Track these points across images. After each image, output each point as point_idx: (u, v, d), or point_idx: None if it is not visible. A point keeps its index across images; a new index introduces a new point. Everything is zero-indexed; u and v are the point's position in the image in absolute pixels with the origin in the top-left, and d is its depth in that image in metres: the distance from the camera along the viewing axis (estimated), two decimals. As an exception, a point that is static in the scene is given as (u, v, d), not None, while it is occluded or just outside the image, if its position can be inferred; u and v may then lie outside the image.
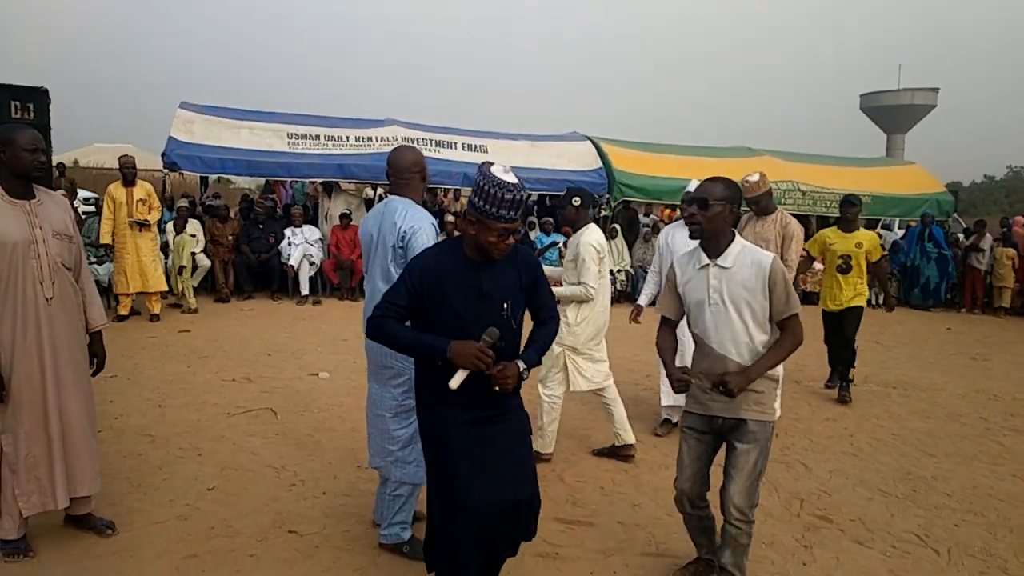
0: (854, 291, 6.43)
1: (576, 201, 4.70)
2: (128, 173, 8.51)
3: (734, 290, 2.92)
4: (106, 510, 3.71)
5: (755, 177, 5.67)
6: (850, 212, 6.46)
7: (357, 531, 3.72)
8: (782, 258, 5.35)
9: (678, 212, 16.27)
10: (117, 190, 8.52)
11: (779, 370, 3.04)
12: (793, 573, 3.48)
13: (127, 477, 4.23)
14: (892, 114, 58.98)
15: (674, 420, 5.37)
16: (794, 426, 5.77)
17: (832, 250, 6.49)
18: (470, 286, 2.58)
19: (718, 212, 2.92)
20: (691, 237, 3.18)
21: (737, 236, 3.02)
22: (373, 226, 3.43)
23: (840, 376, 6.64)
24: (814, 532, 3.92)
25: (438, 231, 3.43)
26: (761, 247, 3.38)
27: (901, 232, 14.68)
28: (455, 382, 2.52)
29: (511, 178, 2.52)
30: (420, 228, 3.24)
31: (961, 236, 13.41)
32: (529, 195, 14.79)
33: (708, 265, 2.98)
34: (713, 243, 2.98)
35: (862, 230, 6.51)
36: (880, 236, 13.69)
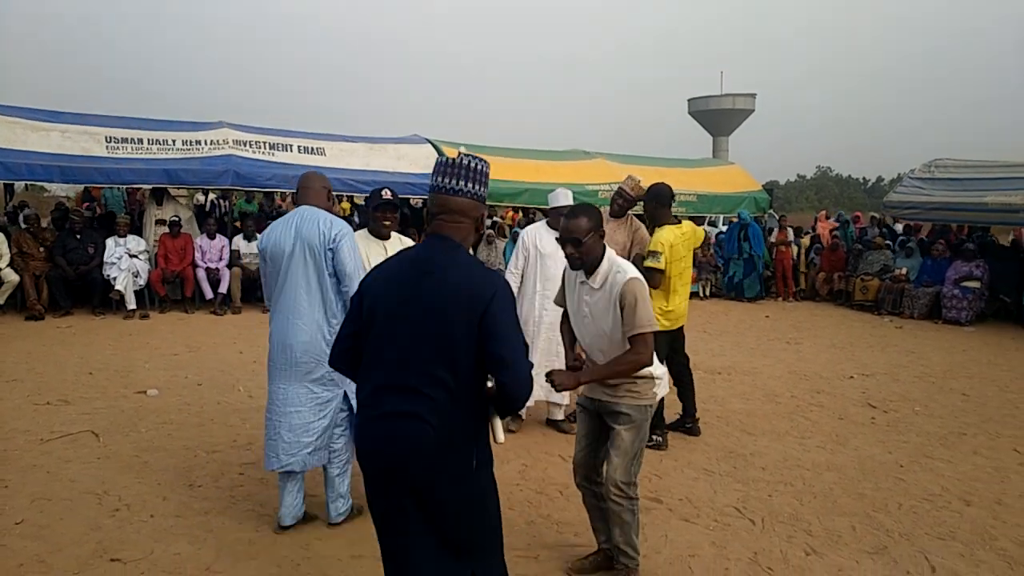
0: None
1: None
2: None
3: (600, 307, 3.20)
4: None
5: (637, 178, 5.57)
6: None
7: (188, 552, 3.55)
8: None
9: (520, 214, 16.68)
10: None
11: (657, 369, 3.28)
12: (626, 553, 3.67)
13: (-83, 518, 3.80)
14: (716, 118, 63.20)
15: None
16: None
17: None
18: None
19: (591, 244, 3.16)
20: (573, 269, 3.31)
21: (607, 253, 3.22)
22: (285, 235, 3.62)
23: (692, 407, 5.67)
24: (646, 513, 4.13)
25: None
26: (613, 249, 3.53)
27: (724, 227, 15.73)
28: (502, 436, 2.43)
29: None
30: (347, 232, 3.63)
31: (775, 230, 14.64)
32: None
33: (584, 283, 3.26)
34: (589, 267, 3.23)
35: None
36: (706, 232, 14.72)
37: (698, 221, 15.03)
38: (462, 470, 2.22)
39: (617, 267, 3.17)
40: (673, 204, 5.36)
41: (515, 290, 5.47)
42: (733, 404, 6.52)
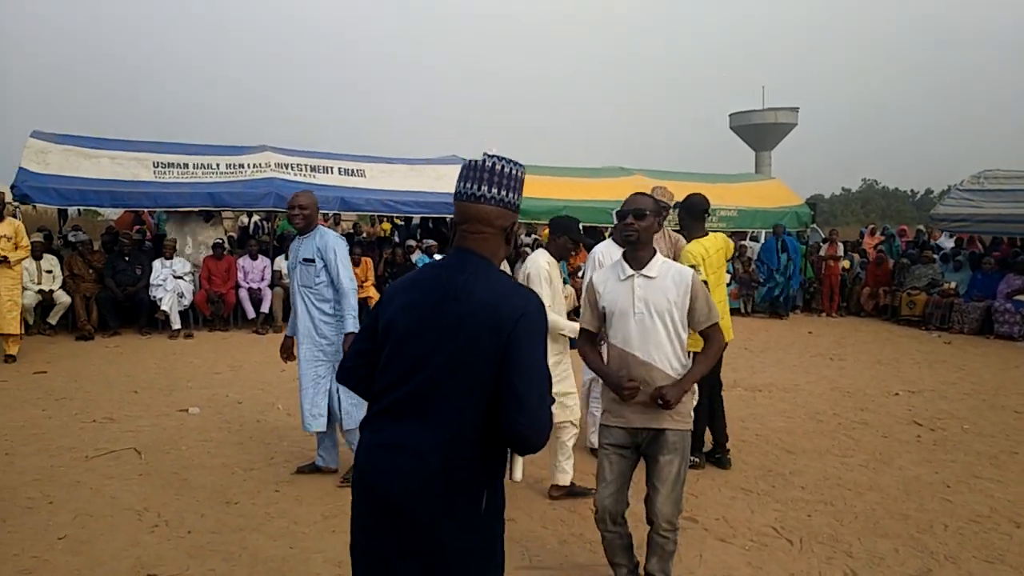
0: None
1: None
2: None
3: (658, 300, 3.09)
4: (-61, 570, 3.43)
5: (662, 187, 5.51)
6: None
7: (222, 569, 3.59)
8: None
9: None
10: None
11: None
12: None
13: (-34, 533, 3.92)
14: (758, 132, 62.50)
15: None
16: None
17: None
18: None
19: (651, 223, 3.16)
20: (626, 243, 3.22)
21: (657, 250, 3.22)
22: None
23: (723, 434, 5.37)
24: (681, 533, 4.00)
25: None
26: None
27: (764, 242, 15.52)
28: (519, 474, 2.28)
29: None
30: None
31: (823, 245, 14.40)
32: (411, 218, 14.86)
33: (633, 276, 3.14)
34: (639, 255, 3.16)
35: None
36: (747, 247, 14.54)
37: (739, 237, 14.88)
38: (469, 514, 1.94)
39: (672, 262, 3.22)
40: (707, 217, 5.20)
41: None
42: (774, 422, 6.39)
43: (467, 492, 1.94)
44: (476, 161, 2.05)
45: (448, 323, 1.93)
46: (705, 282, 4.87)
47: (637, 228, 3.11)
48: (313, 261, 4.62)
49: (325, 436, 4.90)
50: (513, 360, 1.88)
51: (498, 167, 2.03)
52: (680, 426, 3.11)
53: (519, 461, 2.25)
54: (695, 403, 3.32)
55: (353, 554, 2.07)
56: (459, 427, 1.91)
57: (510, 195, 2.04)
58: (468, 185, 2.03)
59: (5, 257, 8.04)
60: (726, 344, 3.20)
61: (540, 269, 4.42)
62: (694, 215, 5.12)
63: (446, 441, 1.91)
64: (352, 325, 4.58)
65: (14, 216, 10.81)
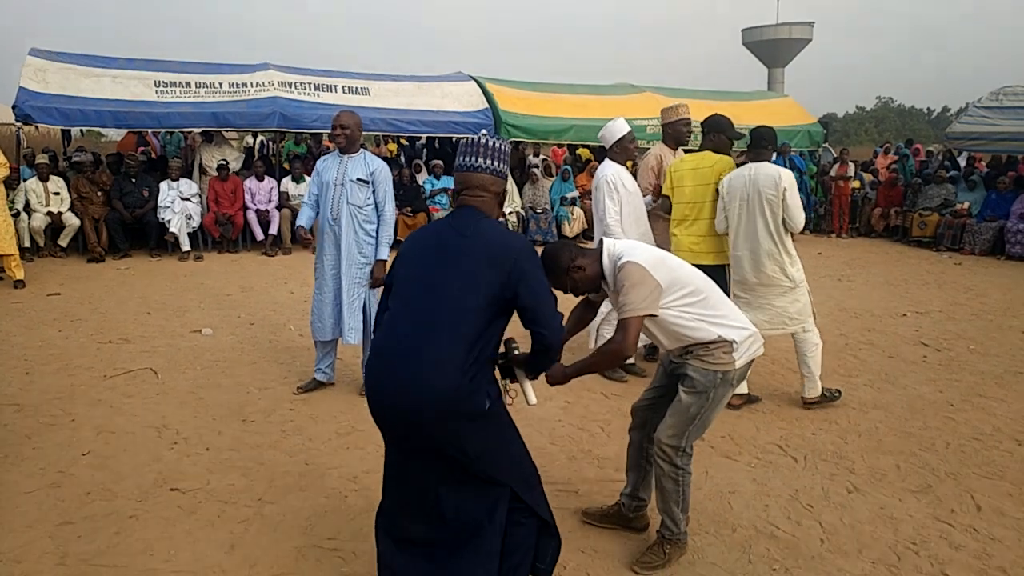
0: None
1: None
2: None
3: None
4: (-31, 484, 3.56)
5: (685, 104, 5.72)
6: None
7: (242, 484, 3.71)
8: None
9: (566, 151, 16.41)
10: (-45, 149, 7.83)
11: (732, 332, 2.99)
12: (665, 489, 3.71)
13: (-8, 449, 4.04)
14: (771, 48, 60.73)
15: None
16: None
17: None
18: None
19: (577, 278, 3.01)
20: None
21: (604, 247, 3.01)
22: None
23: None
24: (687, 450, 4.17)
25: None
26: None
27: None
28: (534, 398, 2.67)
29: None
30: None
31: (834, 165, 14.18)
32: (418, 138, 14.66)
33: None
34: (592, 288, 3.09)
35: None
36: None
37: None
38: (479, 411, 2.31)
39: (617, 256, 2.91)
40: (723, 135, 5.15)
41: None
42: (779, 342, 6.40)
43: (476, 393, 2.30)
44: (474, 139, 2.51)
45: (457, 252, 2.36)
46: (664, 197, 5.22)
47: (574, 289, 3.04)
48: (367, 182, 4.76)
49: (331, 351, 5.05)
50: (525, 283, 2.34)
51: (491, 143, 2.52)
52: (699, 364, 2.97)
53: (530, 386, 2.60)
54: (738, 350, 2.98)
55: (388, 474, 2.54)
56: (472, 331, 2.28)
57: (501, 165, 2.53)
58: (467, 158, 2.51)
59: None
60: (625, 355, 2.84)
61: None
62: (705, 131, 5.26)
63: (458, 347, 2.26)
64: (385, 253, 4.82)
65: (16, 136, 10.77)
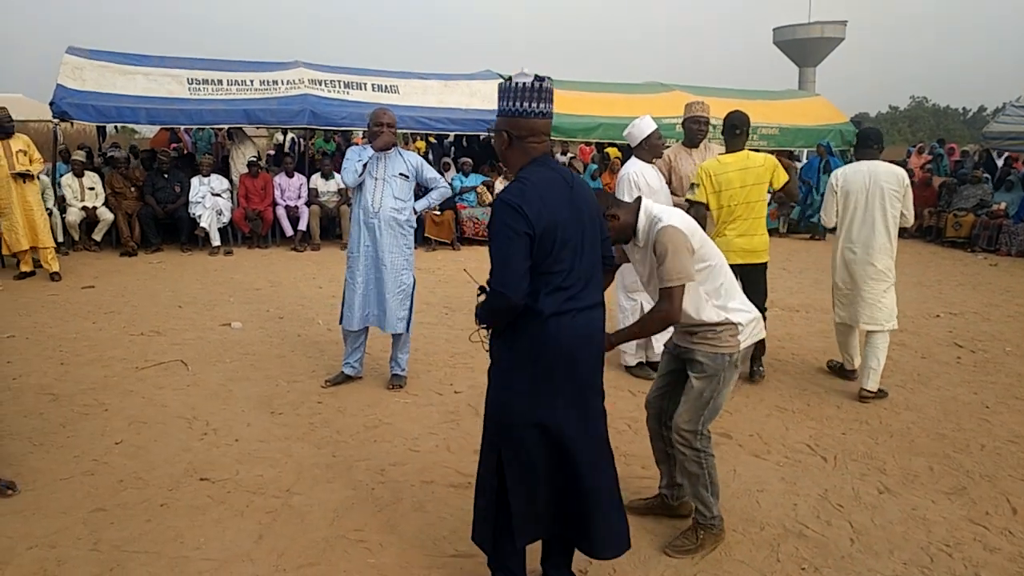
0: None
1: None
2: (5, 126, 8.01)
3: (646, 263, 3.10)
4: (6, 471, 3.63)
5: (701, 102, 5.71)
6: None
7: (270, 475, 3.74)
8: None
9: (594, 149, 16.37)
10: (-9, 145, 8.00)
11: (738, 314, 3.04)
12: (692, 486, 3.68)
13: (28, 437, 4.12)
14: (803, 47, 59.98)
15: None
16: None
17: None
18: None
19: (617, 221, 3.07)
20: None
21: (643, 207, 3.03)
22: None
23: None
24: (716, 448, 4.06)
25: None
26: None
27: (805, 162, 15.15)
28: None
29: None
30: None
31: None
32: (446, 135, 14.71)
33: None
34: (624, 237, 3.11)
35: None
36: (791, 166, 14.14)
37: (781, 155, 14.50)
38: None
39: (655, 217, 2.94)
40: (742, 132, 5.05)
41: None
42: (810, 342, 6.37)
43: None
44: (532, 83, 2.39)
45: (580, 210, 2.46)
46: (700, 203, 4.94)
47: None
48: (408, 177, 4.89)
49: (360, 346, 5.09)
50: (604, 219, 2.70)
51: (547, 85, 2.42)
52: (708, 348, 3.03)
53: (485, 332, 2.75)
54: (744, 332, 3.05)
55: (544, 398, 2.49)
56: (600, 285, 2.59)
57: (552, 108, 2.47)
58: (530, 104, 2.40)
59: (28, 172, 8.10)
60: (672, 319, 2.90)
61: None
62: (730, 131, 5.11)
63: (602, 299, 2.60)
64: (420, 205, 5.07)
65: (53, 132, 10.96)
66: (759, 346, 5.27)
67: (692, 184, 5.05)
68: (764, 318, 5.17)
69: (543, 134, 2.45)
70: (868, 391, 4.91)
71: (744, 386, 5.17)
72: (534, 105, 2.39)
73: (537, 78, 2.39)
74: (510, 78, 2.44)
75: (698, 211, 4.97)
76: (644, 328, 3.05)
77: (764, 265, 5.15)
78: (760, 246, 5.08)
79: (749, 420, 4.59)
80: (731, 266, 4.92)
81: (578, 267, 2.42)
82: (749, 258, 5.02)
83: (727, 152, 5.11)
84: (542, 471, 2.51)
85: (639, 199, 3.04)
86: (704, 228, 5.00)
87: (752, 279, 5.05)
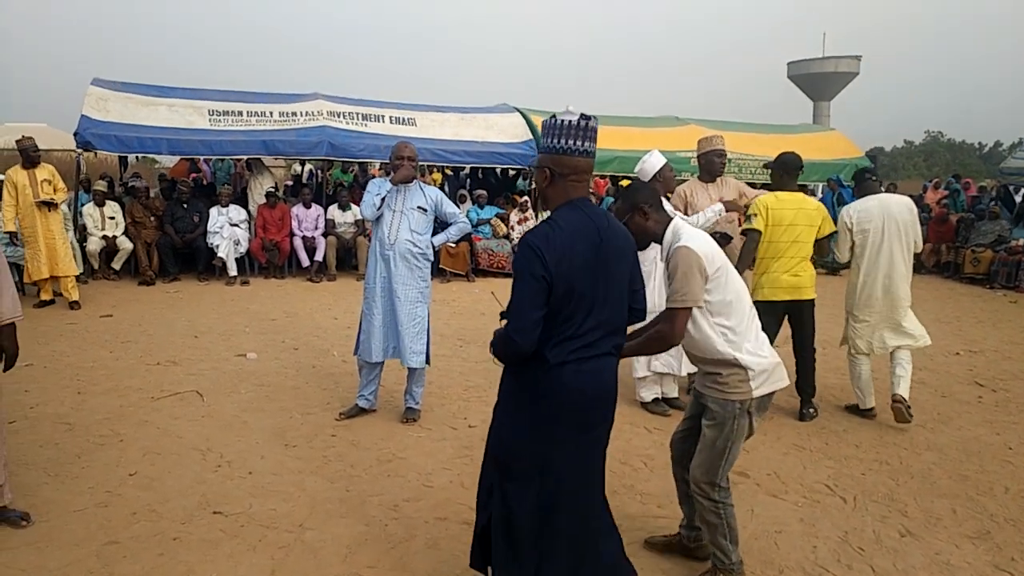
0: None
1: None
2: (31, 155, 8.15)
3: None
4: (21, 501, 3.62)
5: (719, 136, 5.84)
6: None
7: (283, 509, 3.72)
8: None
9: (609, 182, 16.42)
10: (17, 174, 8.10)
11: (750, 358, 2.93)
12: (710, 527, 3.62)
13: (43, 467, 4.12)
14: (817, 82, 60.33)
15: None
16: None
17: None
18: None
19: (638, 222, 3.08)
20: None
21: (672, 225, 3.04)
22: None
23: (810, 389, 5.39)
24: (732, 487, 4.05)
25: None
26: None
27: (820, 196, 15.13)
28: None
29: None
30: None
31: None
32: (462, 168, 14.81)
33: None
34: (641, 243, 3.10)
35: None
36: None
37: (801, 188, 14.50)
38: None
39: (679, 235, 2.93)
40: (798, 173, 5.24)
41: None
42: (828, 379, 6.29)
43: None
44: (579, 120, 2.40)
45: (607, 262, 2.42)
46: (756, 230, 5.02)
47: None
48: (426, 211, 4.92)
49: (375, 378, 5.08)
50: (639, 269, 2.63)
51: (592, 124, 2.42)
52: (716, 394, 2.96)
53: None
54: (755, 379, 2.95)
55: (559, 436, 2.48)
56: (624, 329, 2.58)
57: (595, 147, 2.47)
58: (574, 142, 2.41)
59: (53, 200, 8.22)
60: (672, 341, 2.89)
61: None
62: (787, 171, 5.23)
63: (623, 341, 2.60)
64: (440, 239, 5.09)
65: (76, 162, 11.14)
66: (808, 386, 5.32)
67: (749, 215, 5.13)
68: (814, 358, 5.31)
69: (585, 173, 2.45)
70: (901, 396, 4.98)
71: (762, 425, 5.09)
72: (578, 143, 2.40)
73: (583, 117, 2.40)
74: (555, 115, 2.44)
75: (752, 238, 5.08)
76: (642, 346, 2.98)
77: (812, 302, 5.21)
78: (807, 282, 5.13)
79: (766, 458, 4.53)
80: (779, 303, 5.03)
81: (598, 318, 2.41)
82: (796, 294, 5.10)
83: (783, 190, 5.20)
84: (529, 523, 2.54)
85: (673, 218, 3.06)
86: (752, 259, 5.15)
87: (800, 317, 5.22)
